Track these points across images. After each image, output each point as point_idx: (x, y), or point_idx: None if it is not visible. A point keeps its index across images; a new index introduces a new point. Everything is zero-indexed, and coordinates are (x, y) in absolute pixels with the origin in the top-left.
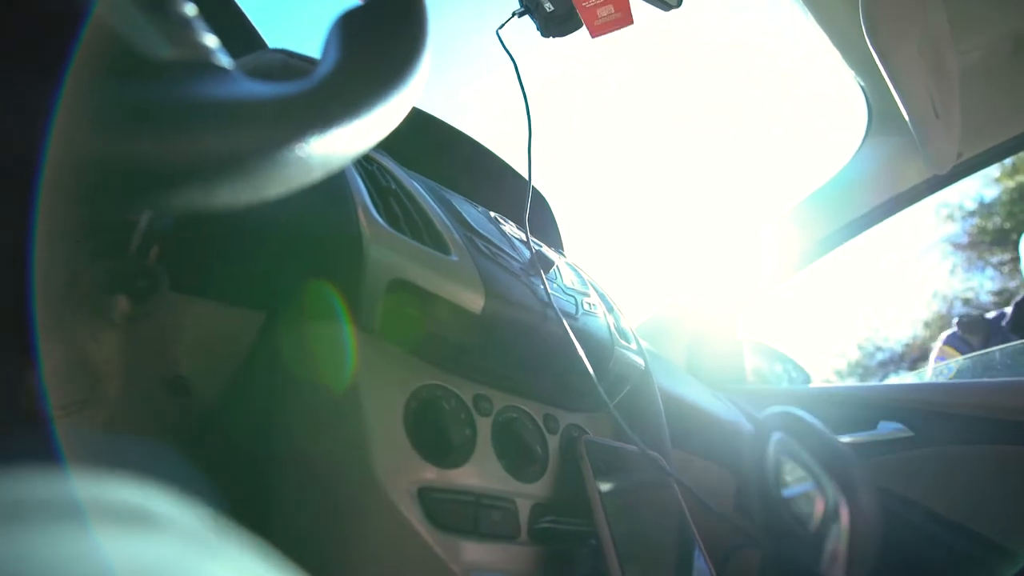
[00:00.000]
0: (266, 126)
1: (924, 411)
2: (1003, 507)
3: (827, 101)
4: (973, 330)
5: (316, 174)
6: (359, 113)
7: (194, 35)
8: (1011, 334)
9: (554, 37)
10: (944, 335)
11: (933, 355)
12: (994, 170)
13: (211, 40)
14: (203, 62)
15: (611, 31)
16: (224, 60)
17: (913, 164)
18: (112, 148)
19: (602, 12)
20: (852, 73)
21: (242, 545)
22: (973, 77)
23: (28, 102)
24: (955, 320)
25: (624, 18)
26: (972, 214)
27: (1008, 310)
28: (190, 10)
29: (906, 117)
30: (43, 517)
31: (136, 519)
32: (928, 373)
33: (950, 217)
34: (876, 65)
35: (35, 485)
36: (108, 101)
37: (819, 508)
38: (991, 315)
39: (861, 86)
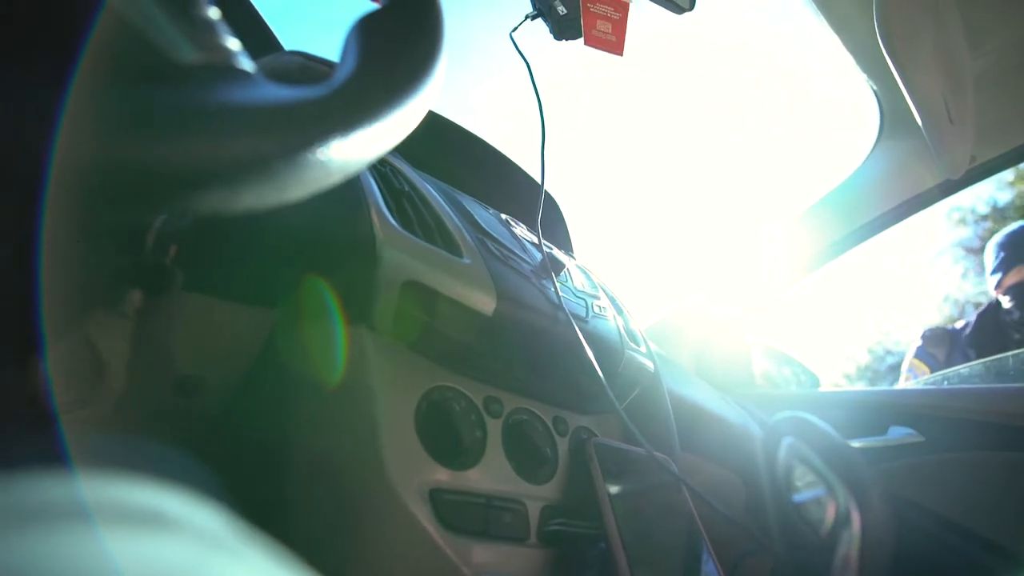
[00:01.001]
0: (288, 130)
1: (935, 416)
2: (1015, 514)
3: (838, 105)
4: (937, 343)
5: (335, 178)
6: (378, 117)
7: (218, 38)
8: (968, 348)
9: (567, 40)
10: (913, 348)
11: (904, 368)
12: (1007, 174)
13: (234, 44)
14: (227, 66)
15: (601, 49)
16: (247, 64)
17: (926, 168)
18: (138, 151)
19: (601, 26)
20: (864, 76)
21: (256, 546)
22: (987, 80)
23: (41, 105)
24: (921, 334)
25: (616, 45)
26: (984, 218)
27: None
28: (214, 13)
29: (919, 121)
30: (54, 520)
31: (149, 521)
32: (900, 384)
33: (962, 221)
34: (889, 68)
35: (45, 487)
36: (134, 104)
37: (830, 513)
38: (959, 325)
39: (873, 89)
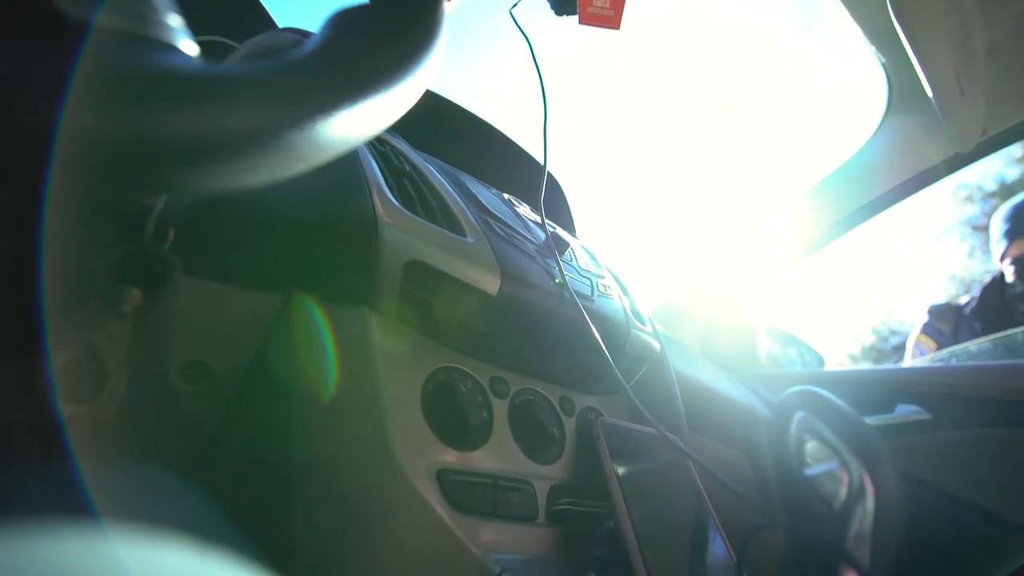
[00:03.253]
0: (199, 106)
1: (942, 394)
2: (1022, 490)
3: (845, 79)
4: (942, 318)
5: (263, 175)
6: (325, 103)
7: (141, 8)
8: (974, 321)
9: (568, 15)
10: (919, 324)
11: (910, 343)
12: (1016, 149)
13: (174, 19)
14: (136, 33)
15: (597, 25)
16: (173, 36)
17: (934, 143)
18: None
19: (598, 0)
20: (872, 49)
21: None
22: (999, 52)
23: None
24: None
25: (613, 19)
26: (992, 195)
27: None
28: None
29: (929, 93)
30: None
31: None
32: (907, 360)
33: (969, 198)
34: (898, 40)
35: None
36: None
37: (843, 486)
38: (963, 300)
39: (882, 63)
